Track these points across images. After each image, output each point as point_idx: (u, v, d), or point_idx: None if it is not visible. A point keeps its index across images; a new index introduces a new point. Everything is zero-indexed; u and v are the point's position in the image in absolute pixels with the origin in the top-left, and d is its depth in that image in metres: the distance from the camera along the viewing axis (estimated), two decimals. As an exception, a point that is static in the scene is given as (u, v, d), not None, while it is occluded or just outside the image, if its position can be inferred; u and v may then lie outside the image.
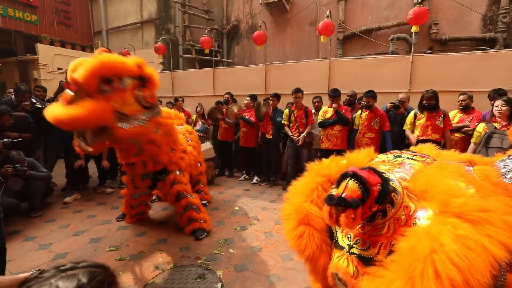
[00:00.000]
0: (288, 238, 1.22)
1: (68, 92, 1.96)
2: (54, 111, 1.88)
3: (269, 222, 3.24)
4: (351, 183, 0.90)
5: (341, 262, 1.08)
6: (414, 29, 4.21)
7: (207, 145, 4.74)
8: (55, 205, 3.67)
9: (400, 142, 3.88)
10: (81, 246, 2.68)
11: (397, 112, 3.90)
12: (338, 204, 0.89)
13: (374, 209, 0.94)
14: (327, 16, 4.70)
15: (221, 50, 8.36)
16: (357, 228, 1.06)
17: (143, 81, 2.31)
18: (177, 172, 2.92)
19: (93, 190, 4.28)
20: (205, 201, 3.73)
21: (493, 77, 3.94)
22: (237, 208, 3.68)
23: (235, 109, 5.02)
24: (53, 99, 4.01)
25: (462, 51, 5.13)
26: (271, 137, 4.64)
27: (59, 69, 7.65)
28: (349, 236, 1.11)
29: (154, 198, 3.73)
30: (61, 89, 4.55)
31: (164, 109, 2.83)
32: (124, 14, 8.70)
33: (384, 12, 6.37)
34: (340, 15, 6.67)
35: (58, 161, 4.20)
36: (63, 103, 1.93)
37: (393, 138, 3.88)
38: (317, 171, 1.33)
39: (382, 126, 3.85)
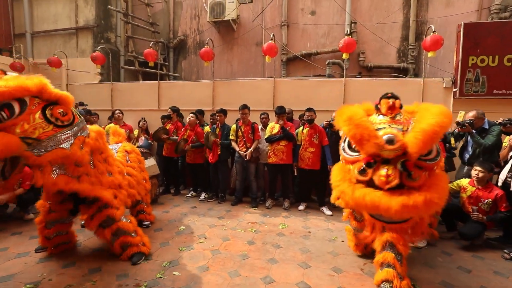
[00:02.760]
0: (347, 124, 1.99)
1: None
2: None
3: (216, 239, 3.15)
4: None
5: (390, 130, 1.94)
6: (344, 56, 4.81)
7: (151, 162, 4.46)
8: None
9: (338, 155, 4.25)
10: (-15, 287, 2.20)
11: (332, 130, 4.30)
12: (392, 97, 2.11)
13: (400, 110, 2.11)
14: (271, 39, 5.03)
15: (167, 63, 8.13)
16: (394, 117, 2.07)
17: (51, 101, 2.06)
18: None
19: (8, 217, 3.59)
20: (148, 222, 3.47)
21: (407, 99, 4.58)
22: (183, 227, 3.51)
23: (182, 142, 4.71)
24: None
25: (383, 77, 6.00)
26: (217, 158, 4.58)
27: (-36, 73, 6.39)
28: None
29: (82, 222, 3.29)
30: None
31: (94, 128, 2.56)
32: (54, 17, 7.84)
33: (321, 39, 7.10)
34: (283, 38, 7.20)
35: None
36: None
37: (331, 152, 4.23)
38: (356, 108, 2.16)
39: (321, 141, 4.19)
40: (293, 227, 3.58)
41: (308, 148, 4.20)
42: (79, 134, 2.21)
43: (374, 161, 1.96)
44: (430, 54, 4.39)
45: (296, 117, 4.91)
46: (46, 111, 1.99)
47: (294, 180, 4.67)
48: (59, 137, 2.03)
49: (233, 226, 3.57)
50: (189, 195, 4.94)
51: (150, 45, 5.89)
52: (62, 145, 2.05)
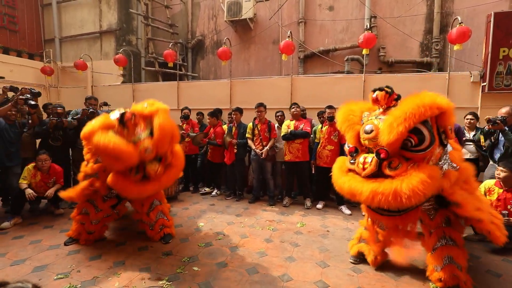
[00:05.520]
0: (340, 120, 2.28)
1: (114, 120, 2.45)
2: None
3: (235, 237, 3.19)
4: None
5: (371, 122, 2.06)
6: (364, 51, 4.67)
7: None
8: (-11, 231, 3.21)
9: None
10: (22, 276, 2.36)
11: None
12: (381, 89, 2.08)
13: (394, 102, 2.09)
14: (288, 36, 4.99)
15: (185, 64, 8.30)
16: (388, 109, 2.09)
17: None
18: None
19: (41, 211, 3.84)
20: None
21: None
22: (202, 224, 3.58)
23: (200, 136, 4.84)
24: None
25: (405, 72, 5.77)
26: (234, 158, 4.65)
27: (0, 77, 6.87)
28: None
29: None
30: (5, 97, 4.16)
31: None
32: (80, 23, 8.24)
33: (339, 35, 6.95)
34: (300, 35, 7.12)
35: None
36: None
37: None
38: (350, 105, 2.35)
39: (340, 139, 4.11)
40: (311, 226, 3.55)
41: (326, 146, 4.14)
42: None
43: (356, 150, 2.17)
44: (456, 47, 4.17)
45: (313, 114, 4.85)
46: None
47: (312, 178, 4.63)
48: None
49: (251, 224, 3.60)
50: (203, 191, 5.04)
51: (169, 46, 6.05)
52: None
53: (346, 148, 2.37)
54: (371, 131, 2.01)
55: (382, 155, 1.90)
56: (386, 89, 2.07)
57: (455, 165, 2.09)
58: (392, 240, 2.51)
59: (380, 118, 2.05)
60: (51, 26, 8.40)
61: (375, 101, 2.13)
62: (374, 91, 2.14)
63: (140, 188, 2.50)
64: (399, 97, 2.10)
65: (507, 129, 3.15)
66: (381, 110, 2.13)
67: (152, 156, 2.46)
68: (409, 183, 1.75)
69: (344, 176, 2.13)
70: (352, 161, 2.16)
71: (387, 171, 1.91)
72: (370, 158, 1.99)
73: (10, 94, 4.14)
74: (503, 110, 3.27)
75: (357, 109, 2.26)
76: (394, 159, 1.92)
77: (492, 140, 3.46)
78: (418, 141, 1.86)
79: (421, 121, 1.83)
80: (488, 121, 3.18)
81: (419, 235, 2.39)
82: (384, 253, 2.56)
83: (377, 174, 1.95)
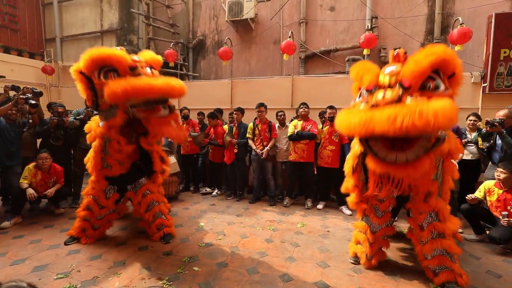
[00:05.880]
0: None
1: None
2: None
3: (235, 237, 3.19)
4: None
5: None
6: (365, 52, 4.68)
7: (172, 160, 4.58)
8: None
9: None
10: (21, 275, 2.36)
11: None
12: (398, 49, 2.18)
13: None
14: (289, 37, 4.99)
15: (186, 63, 8.30)
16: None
17: None
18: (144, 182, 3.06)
19: (41, 211, 3.84)
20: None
21: None
22: (203, 224, 3.58)
23: (201, 136, 4.87)
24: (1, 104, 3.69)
25: (406, 73, 5.74)
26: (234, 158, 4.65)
27: (0, 76, 6.87)
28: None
29: None
30: (7, 96, 4.15)
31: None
32: (81, 22, 8.25)
33: (340, 35, 6.94)
34: (301, 36, 7.11)
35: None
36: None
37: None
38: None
39: (341, 139, 4.11)
40: (311, 226, 3.55)
41: (327, 146, 4.14)
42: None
43: (375, 87, 2.06)
44: (457, 48, 4.17)
45: (314, 115, 4.84)
46: None
47: (313, 179, 4.62)
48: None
49: (251, 224, 3.60)
50: (204, 191, 5.04)
51: (170, 46, 6.05)
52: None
53: (363, 91, 2.19)
54: (392, 70, 2.03)
55: (406, 84, 1.87)
56: (402, 49, 2.19)
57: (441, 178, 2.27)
58: (385, 240, 2.54)
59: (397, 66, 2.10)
60: (52, 25, 8.41)
61: (396, 57, 2.16)
62: (394, 49, 2.23)
63: None
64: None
65: (504, 131, 3.14)
66: (396, 67, 2.08)
67: None
68: (435, 104, 1.65)
69: (352, 112, 2.01)
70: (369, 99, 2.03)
71: (409, 102, 1.83)
72: (390, 92, 1.92)
73: (12, 94, 4.14)
74: (501, 113, 3.25)
75: (370, 64, 2.29)
76: (415, 94, 1.88)
77: (491, 142, 3.46)
78: (435, 87, 1.93)
79: (436, 66, 1.92)
80: (486, 123, 3.17)
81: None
82: (379, 254, 2.55)
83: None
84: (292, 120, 4.66)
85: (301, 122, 4.28)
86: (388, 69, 2.06)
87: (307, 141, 4.19)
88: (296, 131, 4.20)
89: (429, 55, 1.89)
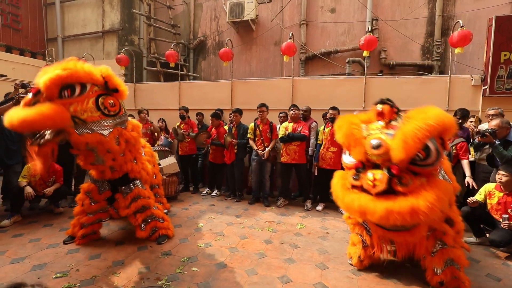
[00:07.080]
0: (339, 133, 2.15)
1: (29, 96, 2.12)
2: (11, 114, 2.00)
3: (234, 237, 3.19)
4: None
5: (378, 136, 1.96)
6: (365, 53, 4.69)
7: (171, 160, 4.60)
8: (-11, 229, 3.21)
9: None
10: (20, 274, 2.36)
11: None
12: (383, 103, 2.05)
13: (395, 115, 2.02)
14: (290, 38, 5.00)
15: (187, 64, 8.32)
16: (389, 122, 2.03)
17: (109, 90, 2.39)
18: (139, 185, 2.94)
19: (40, 210, 3.84)
20: (165, 210, 3.65)
21: (431, 98, 4.55)
22: (202, 224, 3.58)
23: (203, 136, 4.86)
24: (4, 102, 3.68)
25: (406, 75, 5.77)
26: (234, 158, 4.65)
27: (2, 75, 6.90)
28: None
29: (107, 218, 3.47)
30: (17, 93, 4.16)
31: (133, 121, 2.89)
32: (82, 22, 8.28)
33: (340, 37, 6.96)
34: (302, 37, 7.13)
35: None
36: (23, 106, 2.06)
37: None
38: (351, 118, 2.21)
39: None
40: (310, 227, 3.55)
41: (330, 148, 4.13)
42: (119, 126, 2.51)
43: (363, 166, 2.01)
44: (457, 51, 4.17)
45: (314, 116, 4.85)
46: (99, 99, 2.32)
47: (312, 180, 4.62)
48: (102, 123, 2.32)
49: (251, 225, 3.59)
50: (205, 192, 5.04)
51: (171, 47, 6.06)
52: (102, 131, 2.34)
53: (346, 161, 2.22)
54: (379, 145, 1.89)
55: (395, 172, 1.84)
56: (388, 102, 2.02)
57: (447, 177, 2.11)
58: (380, 244, 2.51)
59: (386, 133, 1.96)
60: (54, 25, 8.45)
61: (380, 114, 2.04)
62: (377, 104, 2.08)
63: None
64: (399, 110, 2.05)
65: (496, 142, 3.08)
66: (382, 123, 2.04)
67: None
68: (425, 200, 1.71)
69: (350, 194, 2.01)
70: (355, 177, 2.03)
71: (399, 188, 1.85)
72: (380, 174, 1.88)
73: (22, 91, 4.15)
74: (493, 123, 3.19)
75: (357, 122, 2.14)
76: (404, 175, 1.85)
77: (483, 153, 3.45)
78: (425, 155, 1.86)
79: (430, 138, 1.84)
80: (477, 133, 3.12)
81: None
82: (372, 256, 2.52)
83: (387, 190, 1.88)
84: (281, 122, 4.66)
85: (291, 124, 4.29)
86: (375, 142, 1.92)
87: (298, 142, 4.20)
88: (287, 132, 4.21)
89: (421, 134, 1.77)
